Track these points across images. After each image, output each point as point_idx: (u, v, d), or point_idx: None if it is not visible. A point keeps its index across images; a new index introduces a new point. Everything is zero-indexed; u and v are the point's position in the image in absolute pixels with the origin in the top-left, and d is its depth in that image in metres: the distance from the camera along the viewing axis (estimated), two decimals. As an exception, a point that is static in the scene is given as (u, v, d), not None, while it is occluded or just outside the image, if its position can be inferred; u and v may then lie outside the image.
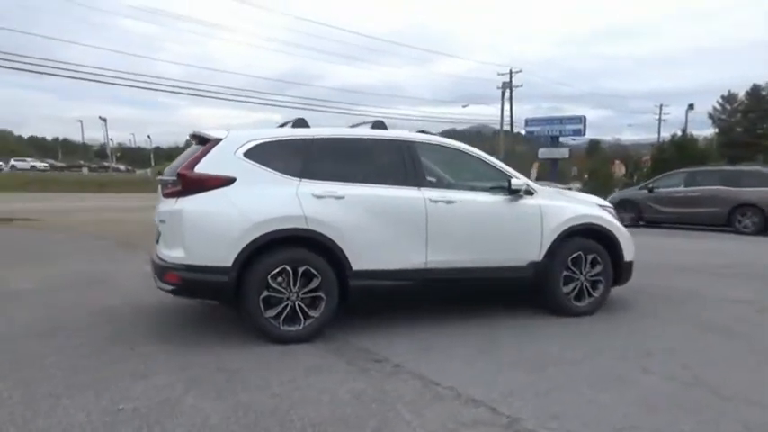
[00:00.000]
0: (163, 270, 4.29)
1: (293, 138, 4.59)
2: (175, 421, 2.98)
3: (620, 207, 16.00)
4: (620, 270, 5.47)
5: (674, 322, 5.10)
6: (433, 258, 4.72)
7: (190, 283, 4.19)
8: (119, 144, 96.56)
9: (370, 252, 4.51)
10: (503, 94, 40.02)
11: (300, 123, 4.79)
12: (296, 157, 4.49)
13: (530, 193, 5.13)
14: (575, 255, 5.22)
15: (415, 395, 3.39)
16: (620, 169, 44.24)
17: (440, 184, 5.00)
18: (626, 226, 5.83)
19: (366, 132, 4.93)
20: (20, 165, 55.73)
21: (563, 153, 40.25)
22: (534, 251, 5.08)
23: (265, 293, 4.24)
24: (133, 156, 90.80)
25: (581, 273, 5.26)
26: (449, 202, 4.79)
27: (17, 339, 4.40)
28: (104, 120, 63.17)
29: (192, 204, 4.20)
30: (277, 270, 4.25)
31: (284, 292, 4.29)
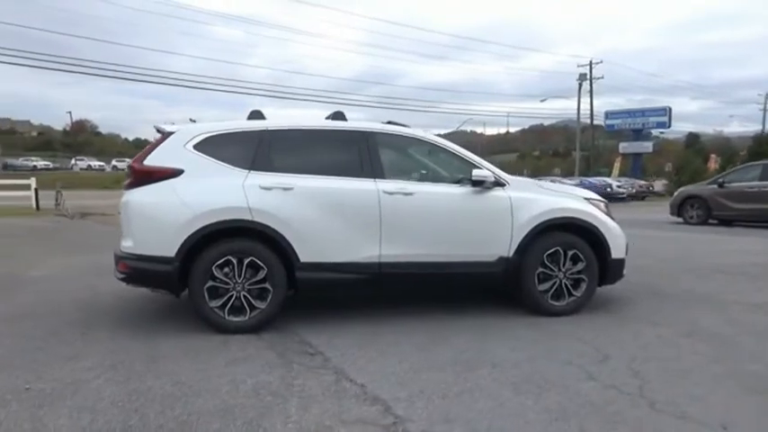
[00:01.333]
0: (117, 259, 4.45)
1: (245, 130, 4.61)
2: (66, 402, 3.07)
3: (687, 203, 14.88)
4: (606, 268, 5.05)
5: (661, 326, 4.64)
6: (387, 252, 4.58)
7: (137, 271, 4.32)
8: None
9: (318, 244, 4.45)
10: (579, 86, 38.26)
11: (256, 115, 4.80)
12: (247, 149, 4.51)
13: (500, 184, 4.85)
14: (551, 250, 4.88)
15: (318, 391, 3.29)
16: (715, 164, 41.15)
17: (400, 175, 4.83)
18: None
19: (323, 123, 4.86)
20: (120, 165, 60.18)
21: (646, 147, 38.04)
22: (503, 246, 4.80)
23: (210, 283, 4.29)
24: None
25: (559, 270, 4.90)
26: (406, 194, 4.62)
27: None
28: (194, 121, 66.92)
29: (139, 195, 4.33)
30: (221, 261, 4.29)
31: (230, 283, 4.32)
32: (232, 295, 4.32)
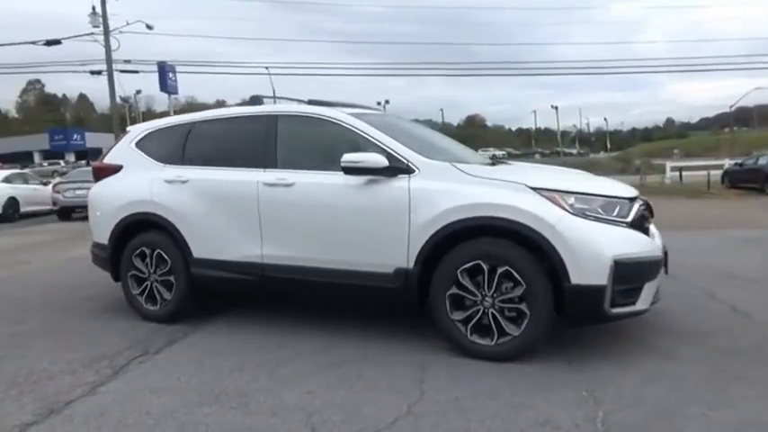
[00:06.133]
0: None
1: (171, 124, 4.68)
2: None
3: None
4: (564, 296, 3.21)
5: (606, 405, 2.74)
6: (269, 252, 4.00)
7: (94, 256, 4.92)
8: (596, 129, 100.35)
9: (208, 240, 4.22)
10: None
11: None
12: (168, 144, 4.59)
13: (404, 171, 3.62)
14: (470, 264, 3.39)
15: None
16: None
17: (304, 163, 4.07)
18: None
19: (234, 111, 4.50)
20: (484, 154, 64.79)
21: None
22: (399, 254, 3.57)
23: (132, 272, 4.56)
24: (612, 139, 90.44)
25: (486, 294, 3.37)
26: (286, 185, 3.93)
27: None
28: (556, 108, 67.41)
29: (93, 190, 4.91)
30: (138, 251, 4.51)
31: (145, 273, 4.52)
32: (147, 285, 4.51)
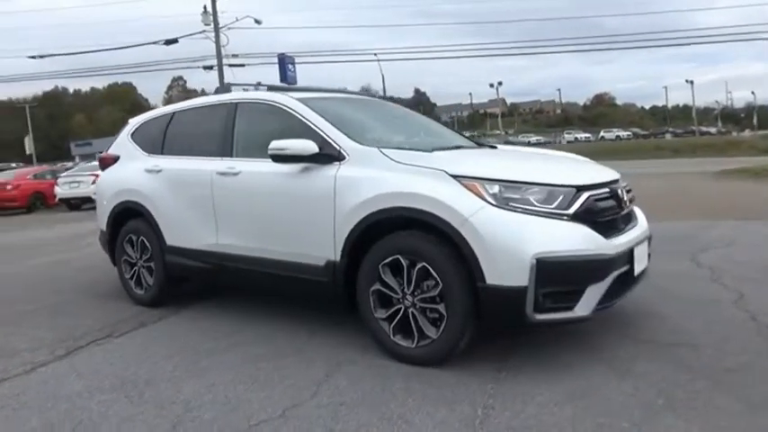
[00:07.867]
0: None
1: (157, 115, 4.82)
2: None
3: None
4: (479, 298, 2.85)
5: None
6: (223, 241, 4.00)
7: (101, 242, 5.23)
8: (746, 104, 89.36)
9: (177, 228, 4.32)
10: None
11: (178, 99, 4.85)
12: (153, 134, 4.74)
13: (337, 157, 3.40)
14: (389, 259, 3.12)
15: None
16: None
17: (260, 151, 3.97)
18: None
19: (205, 100, 4.52)
20: (607, 135, 60.52)
21: None
22: (328, 246, 3.38)
23: (124, 257, 4.80)
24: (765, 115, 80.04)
25: (407, 292, 3.09)
26: (234, 173, 3.89)
27: None
28: (691, 82, 61.30)
29: (98, 179, 5.20)
30: (127, 238, 4.73)
31: (134, 259, 4.72)
32: (135, 270, 4.72)
